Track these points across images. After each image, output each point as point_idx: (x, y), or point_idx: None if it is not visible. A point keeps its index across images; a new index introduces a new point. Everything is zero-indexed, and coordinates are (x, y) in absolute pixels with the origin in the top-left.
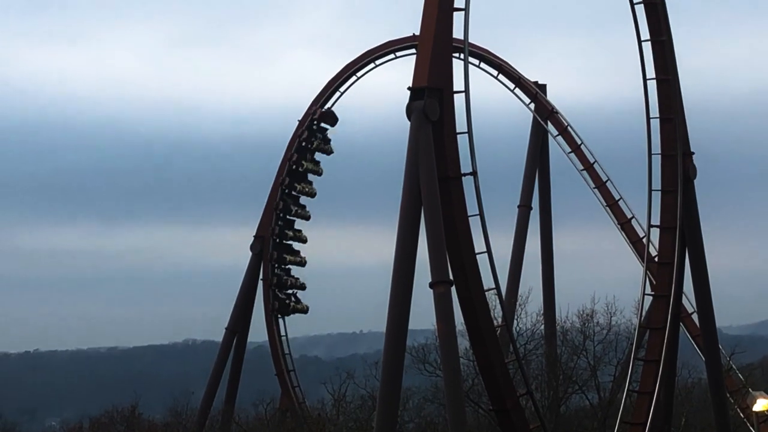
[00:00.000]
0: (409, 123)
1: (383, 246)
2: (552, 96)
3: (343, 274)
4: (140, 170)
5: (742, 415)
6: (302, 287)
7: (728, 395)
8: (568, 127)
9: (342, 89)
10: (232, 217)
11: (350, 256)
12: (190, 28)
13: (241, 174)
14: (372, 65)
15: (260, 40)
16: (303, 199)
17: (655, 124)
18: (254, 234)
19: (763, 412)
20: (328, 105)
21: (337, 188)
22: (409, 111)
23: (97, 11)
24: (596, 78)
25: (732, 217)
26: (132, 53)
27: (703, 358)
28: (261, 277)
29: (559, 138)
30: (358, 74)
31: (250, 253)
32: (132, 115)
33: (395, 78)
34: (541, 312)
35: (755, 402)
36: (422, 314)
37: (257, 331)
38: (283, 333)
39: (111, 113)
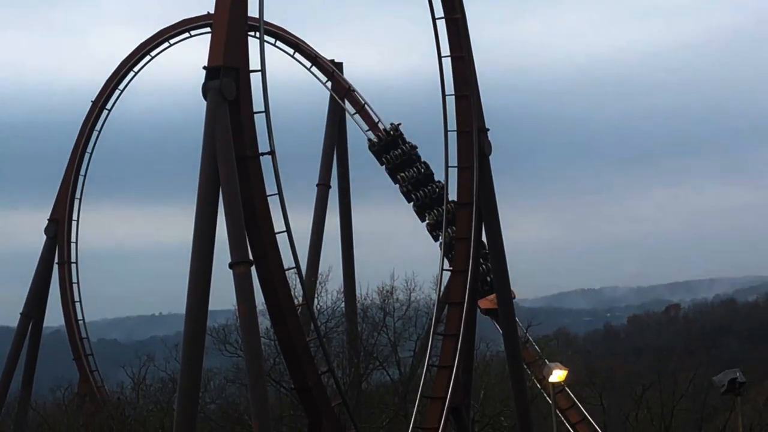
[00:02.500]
0: (205, 103)
1: (183, 227)
2: (349, 74)
3: (141, 256)
4: None
5: (539, 385)
6: None
7: (525, 367)
8: (365, 106)
9: (136, 69)
10: (26, 200)
11: (150, 238)
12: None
13: (39, 155)
14: (167, 44)
15: (72, 17)
16: None
17: (451, 101)
18: (48, 217)
19: (559, 382)
20: (122, 86)
21: (137, 170)
22: (205, 91)
23: None
24: (393, 56)
25: (527, 192)
26: None
27: (501, 332)
28: (56, 260)
29: (357, 116)
30: (153, 54)
31: (45, 237)
32: None
33: (191, 57)
34: (342, 290)
35: (551, 373)
36: (222, 295)
37: (53, 316)
38: (80, 317)
39: None
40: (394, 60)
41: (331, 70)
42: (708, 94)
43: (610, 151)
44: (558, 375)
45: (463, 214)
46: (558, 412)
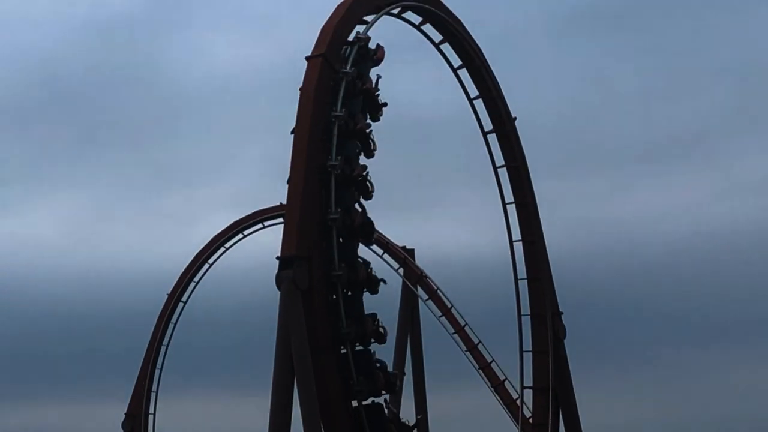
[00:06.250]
0: (279, 292)
1: (258, 416)
2: (420, 260)
3: None
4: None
5: None
6: None
7: None
8: (438, 291)
9: (211, 261)
10: (104, 392)
11: (224, 427)
12: (112, 195)
13: (121, 346)
14: (240, 236)
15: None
16: None
17: (523, 285)
18: (125, 412)
19: None
20: (197, 278)
21: (210, 357)
22: (279, 280)
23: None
24: (464, 240)
25: (604, 374)
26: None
27: None
28: None
29: (430, 302)
30: (227, 245)
31: (122, 431)
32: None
33: (264, 247)
34: None
35: None
36: None
37: None
38: None
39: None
40: (465, 244)
41: (403, 257)
42: None
43: (701, 332)
44: None
45: (540, 399)
46: None
